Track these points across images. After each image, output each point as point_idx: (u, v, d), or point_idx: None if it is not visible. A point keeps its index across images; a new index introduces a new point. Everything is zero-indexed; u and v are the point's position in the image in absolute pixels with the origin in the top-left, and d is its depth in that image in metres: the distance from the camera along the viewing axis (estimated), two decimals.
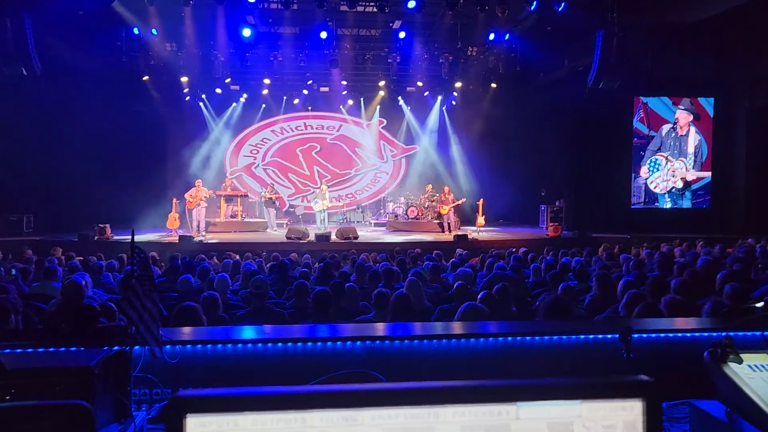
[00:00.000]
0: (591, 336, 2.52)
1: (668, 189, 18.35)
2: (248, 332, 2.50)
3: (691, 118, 18.11)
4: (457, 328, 2.64)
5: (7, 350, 1.96)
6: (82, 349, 1.95)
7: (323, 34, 14.98)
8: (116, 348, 1.95)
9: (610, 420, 0.81)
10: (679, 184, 18.41)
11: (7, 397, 1.51)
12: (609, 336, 2.47)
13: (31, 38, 11.99)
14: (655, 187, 18.31)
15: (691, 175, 18.35)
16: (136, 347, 1.97)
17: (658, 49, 15.25)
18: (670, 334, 2.43)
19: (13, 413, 0.76)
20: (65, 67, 14.21)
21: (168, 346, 2.09)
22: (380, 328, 2.65)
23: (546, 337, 2.38)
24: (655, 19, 14.17)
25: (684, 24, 14.13)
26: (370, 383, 0.80)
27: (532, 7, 13.20)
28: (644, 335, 2.37)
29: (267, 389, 0.78)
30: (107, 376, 1.77)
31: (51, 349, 2.05)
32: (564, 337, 2.40)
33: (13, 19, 11.72)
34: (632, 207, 17.99)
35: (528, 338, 2.36)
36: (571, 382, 0.84)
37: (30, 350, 2.05)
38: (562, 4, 12.90)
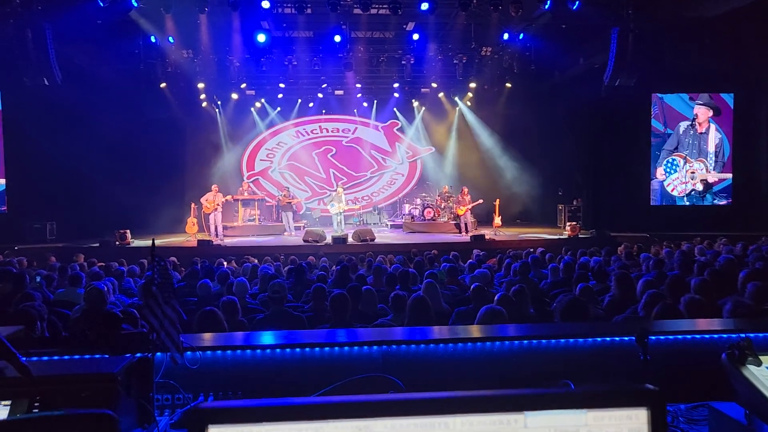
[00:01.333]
0: (609, 338, 2.52)
1: (687, 192, 17.59)
2: (267, 338, 2.53)
3: (710, 113, 17.46)
4: (473, 331, 2.65)
5: (34, 358, 2.01)
6: (106, 356, 2.00)
7: (337, 38, 15.04)
8: (139, 355, 1.99)
9: (616, 428, 0.82)
10: (699, 187, 17.54)
11: (36, 404, 1.56)
12: (626, 338, 2.46)
13: (52, 48, 12.20)
14: (672, 190, 17.60)
15: (713, 177, 17.51)
16: (158, 353, 2.02)
17: (675, 45, 15.08)
18: (688, 336, 2.42)
19: (39, 424, 0.79)
20: (85, 76, 14.45)
21: (189, 353, 2.13)
22: (397, 332, 2.66)
23: (563, 340, 2.38)
24: (672, 15, 14.02)
25: (701, 19, 13.97)
26: (381, 395, 0.82)
27: (546, 6, 13.12)
28: (662, 337, 2.36)
29: (283, 401, 0.81)
30: (130, 382, 1.81)
31: (76, 357, 2.10)
32: (581, 339, 2.40)
33: (34, 30, 11.94)
34: (651, 205, 17.68)
35: (545, 341, 2.36)
36: (577, 392, 0.85)
37: (56, 358, 2.10)
38: (577, 2, 12.81)
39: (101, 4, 11.99)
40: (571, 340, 2.39)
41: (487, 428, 0.82)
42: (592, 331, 2.55)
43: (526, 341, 2.33)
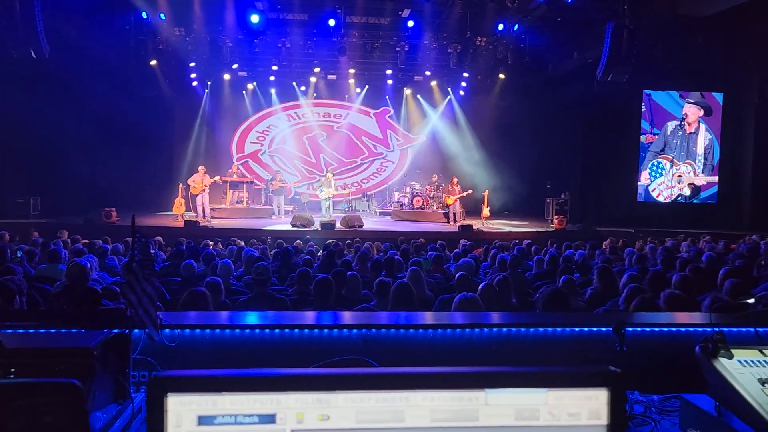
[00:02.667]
0: (587, 329, 2.54)
1: (673, 197, 17.02)
2: (248, 318, 2.53)
3: (701, 113, 17.24)
4: (454, 318, 2.67)
5: (9, 330, 1.99)
6: (83, 330, 1.99)
7: (332, 22, 14.92)
8: (116, 330, 1.98)
9: (575, 408, 0.83)
10: (686, 191, 17.03)
11: (10, 376, 1.55)
12: (605, 329, 2.49)
13: (40, 20, 11.99)
14: (657, 195, 17.11)
15: (701, 180, 17.03)
16: (136, 330, 2.01)
17: (668, 43, 15.13)
18: (665, 329, 2.45)
19: (5, 389, 0.79)
20: (73, 49, 14.21)
21: (167, 330, 2.12)
22: (378, 317, 2.68)
23: (543, 329, 2.40)
24: (667, 12, 14.05)
25: (695, 17, 14.01)
26: (344, 368, 0.82)
27: None
28: (638, 329, 2.39)
29: (245, 371, 0.81)
30: (107, 357, 1.80)
31: (52, 330, 2.09)
32: (560, 329, 2.42)
33: (22, 1, 11.73)
34: (638, 201, 17.75)
35: (524, 330, 2.38)
36: (538, 371, 0.86)
37: (32, 331, 2.08)
38: None
39: None
40: (551, 329, 2.41)
41: (448, 404, 0.82)
42: (571, 321, 2.58)
43: (505, 329, 2.35)
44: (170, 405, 0.80)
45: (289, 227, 14.25)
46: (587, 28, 14.68)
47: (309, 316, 2.52)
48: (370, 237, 12.54)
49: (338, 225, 14.39)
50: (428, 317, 2.66)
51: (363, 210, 19.25)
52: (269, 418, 0.80)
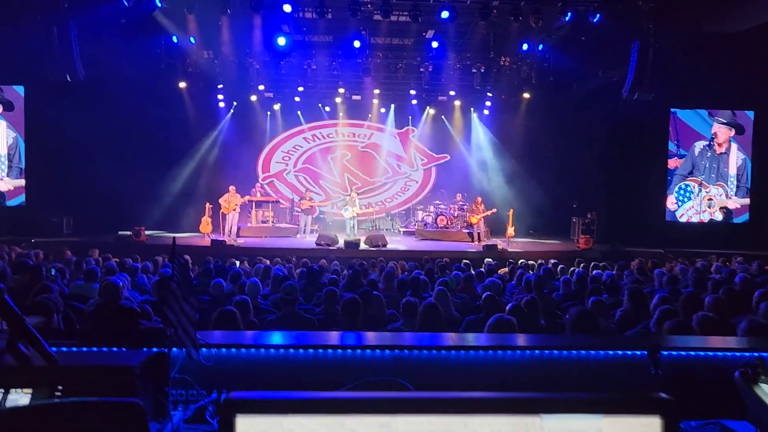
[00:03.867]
0: (620, 352, 2.51)
1: (704, 222, 16.11)
2: (281, 338, 2.56)
3: (732, 133, 16.49)
4: (485, 339, 2.66)
5: (53, 348, 2.05)
6: (124, 349, 2.04)
7: (356, 43, 15.12)
8: (155, 349, 2.03)
9: None
10: (718, 216, 16.07)
11: (57, 393, 1.59)
12: (638, 352, 2.46)
13: (76, 45, 12.39)
14: (687, 221, 16.27)
15: (733, 203, 16.05)
16: (174, 349, 2.05)
17: (695, 60, 14.98)
18: (701, 353, 2.42)
19: (71, 408, 0.82)
20: (106, 73, 14.63)
21: (203, 349, 2.16)
22: (409, 338, 2.68)
23: (574, 352, 2.38)
24: (693, 30, 13.95)
25: (722, 34, 13.89)
26: (405, 392, 0.85)
27: (567, 18, 13.14)
28: (674, 353, 2.36)
29: (311, 394, 0.84)
30: (147, 376, 1.84)
31: (94, 349, 2.14)
32: (592, 352, 2.40)
33: (59, 28, 12.14)
34: (667, 221, 17.42)
35: (556, 352, 2.37)
36: (593, 397, 0.87)
37: (74, 349, 2.14)
38: (597, 15, 12.82)
39: (126, 3, 12.18)
40: (583, 351, 2.39)
41: (505, 429, 0.84)
42: (603, 344, 2.55)
43: (538, 351, 2.34)
44: (239, 426, 0.83)
45: (313, 246, 14.33)
46: (612, 46, 14.64)
47: (341, 337, 2.54)
48: (394, 256, 12.54)
49: (362, 244, 14.42)
50: (460, 338, 2.65)
51: (386, 229, 19.29)
52: None
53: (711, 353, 2.40)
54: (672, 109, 17.17)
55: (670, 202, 16.77)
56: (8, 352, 1.63)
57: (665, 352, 2.23)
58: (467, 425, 0.84)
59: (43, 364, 1.62)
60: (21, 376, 1.63)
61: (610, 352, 2.42)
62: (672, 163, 16.59)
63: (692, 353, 2.39)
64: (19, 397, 1.62)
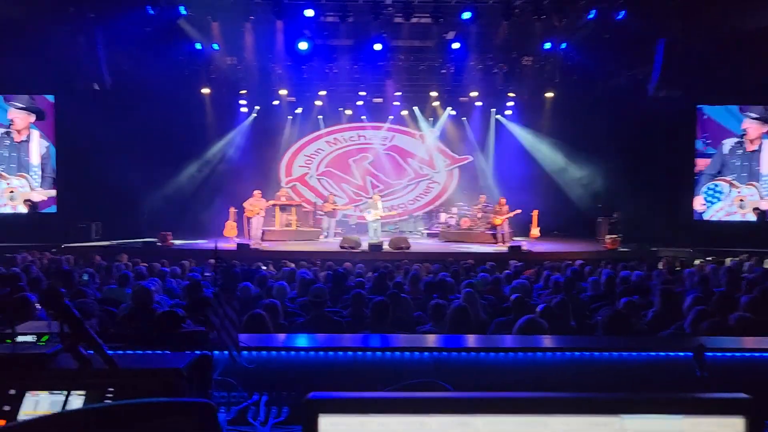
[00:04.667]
0: (656, 353, 2.47)
1: (734, 222, 15.56)
2: (318, 341, 2.57)
3: (764, 129, 15.98)
4: (523, 342, 2.65)
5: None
6: (168, 352, 2.07)
7: (378, 46, 15.16)
8: (198, 352, 2.06)
9: None
10: (751, 217, 15.47)
11: (109, 395, 1.63)
12: (679, 354, 2.42)
13: (103, 55, 12.64)
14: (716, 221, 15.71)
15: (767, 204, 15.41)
16: (216, 352, 2.08)
17: (723, 56, 14.71)
18: (747, 353, 2.37)
19: (143, 409, 0.84)
20: (132, 81, 14.90)
21: (245, 351, 2.19)
22: (447, 340, 2.68)
23: (615, 353, 2.36)
24: (720, 25, 13.71)
25: (752, 28, 13.62)
26: (483, 392, 0.85)
27: (591, 16, 13.03)
28: (718, 354, 2.32)
29: (392, 394, 0.85)
30: (193, 378, 1.87)
31: (140, 352, 2.18)
32: (634, 353, 2.37)
33: (87, 37, 12.40)
34: (695, 220, 17.07)
35: (597, 354, 2.34)
36: (675, 397, 0.87)
37: (119, 352, 2.18)
38: (622, 12, 12.69)
39: (151, 12, 12.38)
40: (624, 353, 2.36)
41: (584, 428, 0.84)
42: (642, 345, 2.52)
43: (577, 353, 2.32)
44: (322, 426, 0.84)
45: (337, 249, 14.37)
46: (637, 44, 14.46)
47: (381, 340, 2.55)
48: (418, 258, 12.51)
49: (386, 246, 14.42)
50: (503, 341, 2.64)
51: (409, 231, 19.27)
52: None
53: (757, 354, 2.36)
54: (699, 106, 16.80)
55: (699, 203, 16.30)
56: (69, 353, 1.67)
57: (709, 353, 2.20)
58: (547, 425, 0.84)
59: (98, 365, 1.65)
60: (79, 378, 1.67)
61: (652, 354, 2.39)
62: (701, 162, 16.08)
63: (737, 354, 2.35)
64: (73, 399, 1.66)
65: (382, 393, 0.86)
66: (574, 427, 0.84)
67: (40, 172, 16.61)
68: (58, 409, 1.61)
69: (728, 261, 10.76)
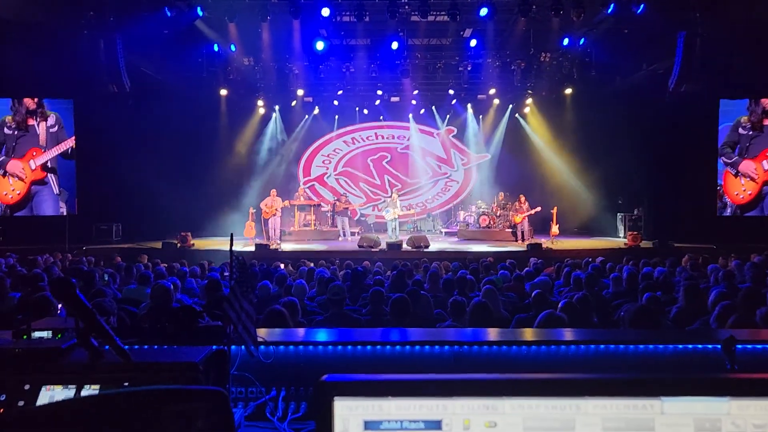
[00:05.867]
0: (684, 346, 2.40)
1: (759, 217, 16.19)
2: (340, 335, 2.54)
3: None
4: (545, 335, 2.59)
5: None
6: (185, 347, 2.05)
7: (395, 45, 15.12)
8: (215, 347, 2.04)
9: (762, 419, 0.77)
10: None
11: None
12: (707, 346, 2.35)
13: (122, 58, 12.76)
14: (740, 215, 16.38)
15: None
16: (233, 347, 2.05)
17: (745, 49, 14.40)
18: None
19: (156, 395, 0.82)
20: (150, 84, 15.04)
21: (262, 347, 2.16)
22: (469, 334, 2.63)
23: (641, 346, 2.29)
24: (742, 17, 13.43)
25: None
26: (510, 374, 0.80)
27: (609, 10, 12.84)
28: (748, 346, 2.24)
29: (411, 376, 0.80)
30: (209, 372, 1.85)
31: (155, 347, 2.16)
32: (660, 346, 2.30)
33: (106, 41, 12.52)
34: (718, 215, 16.78)
35: (621, 347, 2.28)
36: (719, 378, 0.81)
37: (136, 347, 2.17)
38: (641, 5, 12.49)
39: (169, 14, 12.47)
40: (651, 346, 2.30)
41: (621, 412, 0.78)
42: (672, 338, 2.45)
43: (603, 346, 2.26)
44: (337, 409, 0.80)
45: (356, 248, 14.37)
46: (656, 38, 14.23)
47: (401, 333, 2.51)
48: (437, 257, 12.46)
49: (405, 245, 14.38)
50: (529, 334, 2.59)
51: (428, 230, 19.22)
52: (435, 424, 0.79)
53: None
54: (721, 99, 16.51)
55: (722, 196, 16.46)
56: (81, 346, 1.66)
57: (739, 346, 2.12)
58: (579, 408, 0.78)
59: (114, 360, 1.64)
60: (92, 372, 1.66)
61: (679, 346, 2.32)
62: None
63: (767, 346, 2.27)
64: (87, 393, 1.65)
65: (402, 375, 0.82)
66: (610, 411, 0.78)
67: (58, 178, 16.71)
68: None
69: (753, 257, 10.52)
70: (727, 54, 14.31)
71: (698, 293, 5.61)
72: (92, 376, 1.64)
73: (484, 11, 12.96)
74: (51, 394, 1.65)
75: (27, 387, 1.64)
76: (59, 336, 2.19)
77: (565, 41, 15.11)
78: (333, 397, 0.79)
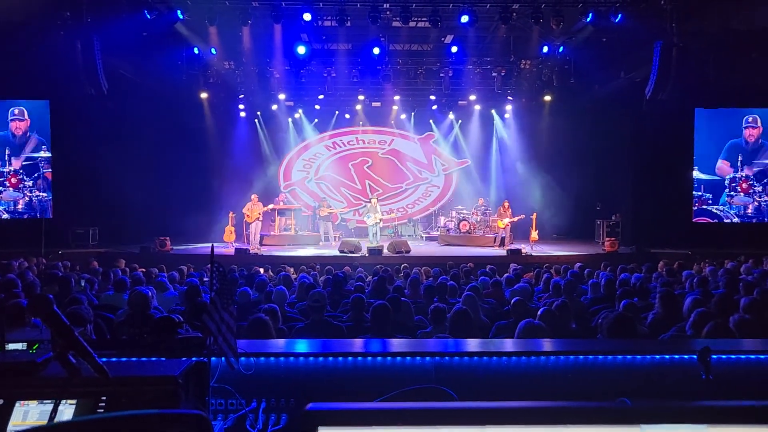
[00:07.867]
0: (661, 356, 2.44)
1: (733, 223, 16.59)
2: (321, 346, 2.53)
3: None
4: (525, 345, 2.61)
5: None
6: (163, 359, 2.03)
7: (376, 50, 15.14)
8: (194, 359, 2.01)
9: None
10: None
11: (101, 404, 1.58)
12: (683, 356, 2.38)
13: (99, 59, 12.58)
14: (714, 222, 16.67)
15: None
16: (213, 358, 2.03)
17: (721, 59, 14.70)
18: (752, 356, 2.33)
19: (133, 421, 0.80)
20: (128, 86, 14.85)
21: (243, 358, 2.15)
22: (450, 345, 2.64)
23: (619, 357, 2.32)
24: (718, 27, 13.71)
25: (748, 31, 13.63)
26: (498, 402, 0.81)
27: (588, 19, 13.03)
28: (723, 356, 2.28)
29: (396, 405, 0.80)
30: (189, 385, 1.83)
31: (133, 359, 2.13)
32: (638, 356, 2.33)
33: (83, 42, 12.34)
34: (693, 221, 17.05)
35: (600, 357, 2.30)
36: (698, 406, 0.82)
37: (113, 360, 2.13)
38: (619, 15, 12.69)
39: (148, 16, 12.35)
40: (629, 356, 2.32)
41: None
42: (648, 348, 2.48)
43: (582, 357, 2.28)
44: None
45: (336, 253, 14.33)
46: (634, 47, 14.47)
47: (382, 344, 2.50)
48: (418, 262, 12.47)
49: (385, 250, 14.38)
50: (509, 345, 2.60)
51: (409, 235, 19.24)
52: None
53: (762, 356, 2.32)
54: (696, 108, 16.80)
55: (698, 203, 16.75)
56: (59, 362, 1.63)
57: (714, 357, 2.16)
58: None
59: (91, 375, 1.61)
60: (70, 387, 1.62)
61: (656, 357, 2.35)
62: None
63: (742, 357, 2.31)
64: (64, 408, 1.62)
65: (386, 404, 0.81)
66: None
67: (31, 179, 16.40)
68: (47, 419, 1.56)
69: (727, 263, 10.72)
70: (703, 64, 14.60)
71: (674, 300, 5.68)
72: (69, 391, 1.61)
73: (465, 18, 13.05)
74: (25, 409, 1.62)
75: (0, 402, 1.61)
76: (34, 348, 2.15)
77: (545, 49, 15.29)
78: (317, 426, 0.78)
